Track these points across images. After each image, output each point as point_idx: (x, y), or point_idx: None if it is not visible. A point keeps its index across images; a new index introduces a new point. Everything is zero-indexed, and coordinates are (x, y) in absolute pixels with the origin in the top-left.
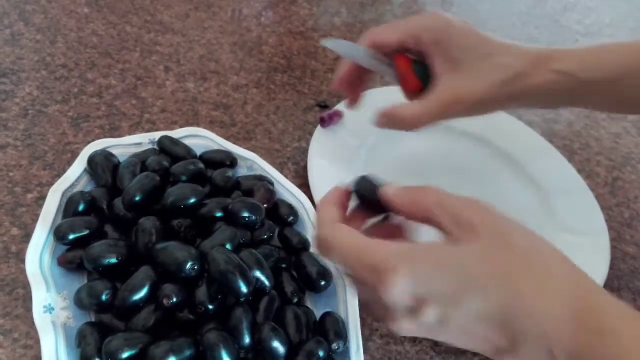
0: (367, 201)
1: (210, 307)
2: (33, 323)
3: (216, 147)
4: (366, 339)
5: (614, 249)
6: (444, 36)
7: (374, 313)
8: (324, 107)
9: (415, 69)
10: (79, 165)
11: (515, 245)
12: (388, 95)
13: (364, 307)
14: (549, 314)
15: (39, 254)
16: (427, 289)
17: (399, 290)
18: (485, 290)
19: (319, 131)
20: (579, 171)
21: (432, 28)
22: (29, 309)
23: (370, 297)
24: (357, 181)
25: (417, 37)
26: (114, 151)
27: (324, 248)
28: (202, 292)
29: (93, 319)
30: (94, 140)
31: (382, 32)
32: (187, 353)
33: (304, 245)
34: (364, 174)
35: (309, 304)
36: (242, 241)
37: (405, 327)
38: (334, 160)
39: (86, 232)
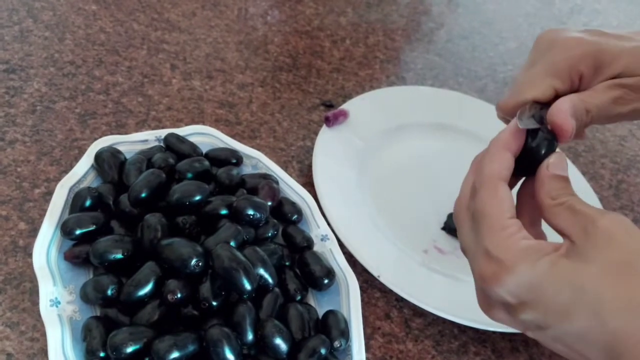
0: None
1: (214, 303)
2: (39, 316)
3: (221, 145)
4: (368, 337)
5: None
6: (598, 58)
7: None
8: (329, 106)
9: None
10: (86, 161)
11: None
12: (393, 95)
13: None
14: None
15: (45, 248)
16: (536, 297)
17: (505, 290)
18: (598, 315)
19: (323, 130)
20: (583, 173)
21: (584, 54)
22: (35, 302)
23: (471, 267)
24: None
25: (576, 76)
26: (121, 148)
27: (475, 189)
28: (205, 288)
29: (98, 313)
30: (100, 137)
31: (538, 89)
32: (191, 348)
33: (308, 243)
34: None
35: (311, 301)
36: (246, 238)
37: (497, 317)
38: (338, 159)
39: (92, 228)
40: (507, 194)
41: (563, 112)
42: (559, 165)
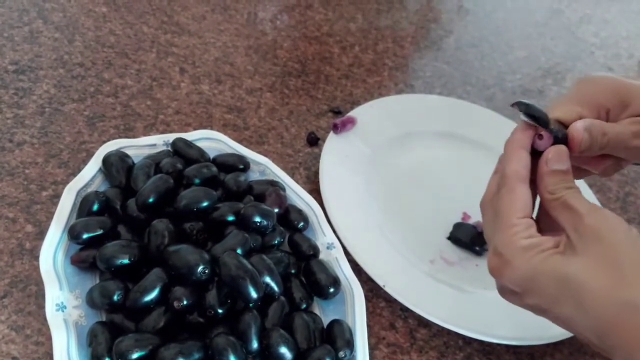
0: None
1: (220, 311)
2: (45, 320)
3: (229, 151)
4: (372, 348)
5: None
6: (626, 97)
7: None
8: (337, 112)
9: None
10: (94, 165)
11: (626, 263)
12: (402, 103)
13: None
14: None
15: (52, 252)
16: (531, 287)
17: (506, 281)
18: (581, 304)
19: (331, 137)
20: (590, 185)
21: (613, 92)
22: (41, 305)
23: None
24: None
25: (603, 109)
26: (129, 151)
27: (499, 187)
28: (212, 296)
29: (104, 318)
30: (108, 140)
31: (562, 111)
32: (196, 356)
33: (314, 251)
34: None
35: (317, 310)
36: (252, 246)
37: (509, 300)
38: (345, 167)
39: (99, 232)
40: (523, 194)
41: (579, 124)
42: (558, 159)
